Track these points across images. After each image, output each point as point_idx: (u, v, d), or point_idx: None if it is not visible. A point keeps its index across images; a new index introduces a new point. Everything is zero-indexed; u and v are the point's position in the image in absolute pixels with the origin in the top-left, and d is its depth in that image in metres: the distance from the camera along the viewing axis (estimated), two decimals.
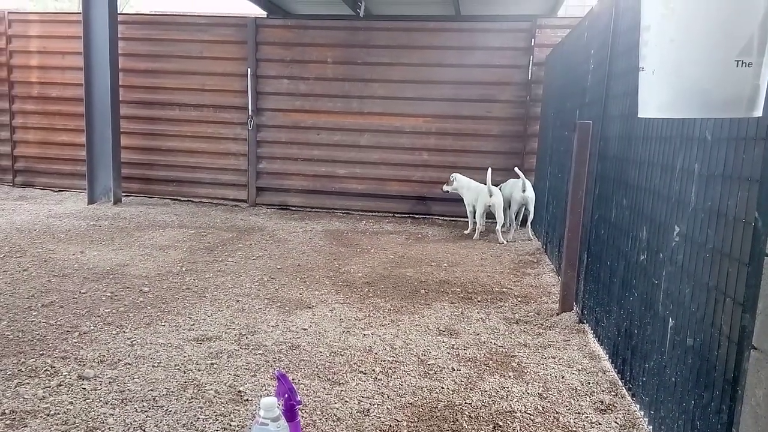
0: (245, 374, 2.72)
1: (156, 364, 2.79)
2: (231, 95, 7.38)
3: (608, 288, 3.06)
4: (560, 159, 4.92)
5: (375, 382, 2.70)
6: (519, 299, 4.05)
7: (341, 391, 2.60)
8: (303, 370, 2.80)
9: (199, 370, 2.74)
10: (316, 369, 2.82)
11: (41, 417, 2.29)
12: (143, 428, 2.24)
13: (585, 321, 3.54)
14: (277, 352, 2.99)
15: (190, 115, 7.53)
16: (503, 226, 5.98)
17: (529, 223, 6.25)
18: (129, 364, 2.79)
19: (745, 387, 1.55)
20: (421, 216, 7.20)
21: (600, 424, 2.41)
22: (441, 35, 7.00)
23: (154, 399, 2.46)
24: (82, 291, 3.83)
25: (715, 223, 1.84)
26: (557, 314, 3.71)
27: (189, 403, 2.44)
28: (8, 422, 2.24)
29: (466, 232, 6.23)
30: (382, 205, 7.31)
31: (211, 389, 2.56)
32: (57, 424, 2.24)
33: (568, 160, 4.08)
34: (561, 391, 2.68)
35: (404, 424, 2.34)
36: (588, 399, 2.62)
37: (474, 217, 6.07)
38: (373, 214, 7.26)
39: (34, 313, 3.39)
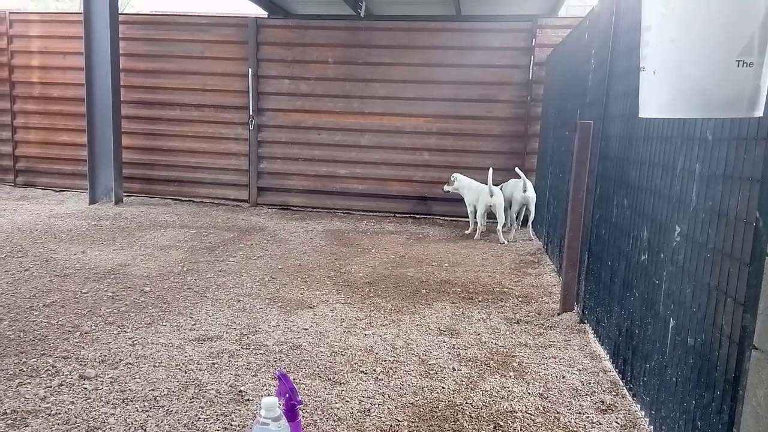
0: (246, 374, 2.73)
1: (157, 364, 2.79)
2: (232, 95, 7.38)
3: (609, 288, 3.06)
4: (561, 159, 4.92)
5: (376, 382, 2.70)
6: (520, 299, 4.05)
7: (342, 390, 2.61)
8: (304, 370, 2.80)
9: (200, 370, 2.74)
10: (317, 369, 2.82)
11: (42, 417, 2.29)
12: (144, 428, 2.24)
13: (586, 321, 3.54)
14: (278, 351, 3.00)
15: (191, 115, 7.54)
16: (504, 226, 5.98)
17: (530, 223, 6.25)
18: (130, 363, 2.79)
19: (746, 387, 1.55)
20: (422, 216, 7.20)
21: (601, 424, 2.41)
22: (442, 35, 7.00)
23: (155, 399, 2.46)
24: (83, 291, 3.83)
25: (716, 223, 1.84)
26: (558, 314, 3.71)
27: (190, 402, 2.44)
28: (9, 422, 2.24)
29: (467, 232, 6.23)
30: (383, 205, 7.31)
31: (212, 389, 2.57)
32: (58, 424, 2.25)
33: (569, 160, 4.08)
34: (562, 391, 2.68)
35: (405, 424, 2.35)
36: (589, 399, 2.62)
37: (475, 217, 6.07)
38: (374, 214, 7.26)
39: (35, 313, 3.40)
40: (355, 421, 2.36)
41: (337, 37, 7.16)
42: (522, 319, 3.64)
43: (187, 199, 7.67)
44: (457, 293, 4.13)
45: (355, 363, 2.90)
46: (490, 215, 5.98)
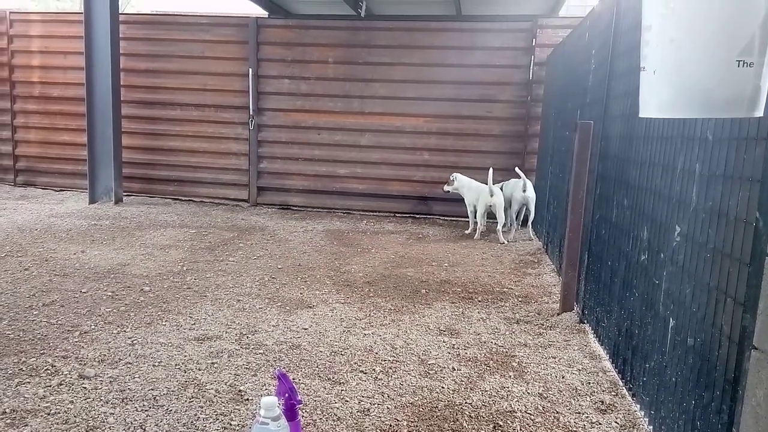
0: (246, 374, 2.73)
1: (156, 364, 2.79)
2: (232, 95, 7.38)
3: (609, 288, 3.06)
4: (561, 159, 4.91)
5: (375, 382, 2.70)
6: (520, 299, 4.05)
7: (341, 390, 2.61)
8: (303, 370, 2.80)
9: (199, 370, 2.74)
10: (317, 368, 2.82)
11: (42, 416, 2.29)
12: (143, 427, 2.24)
13: (586, 321, 3.54)
14: (277, 351, 3.00)
15: (191, 114, 7.54)
16: (504, 226, 5.98)
17: (529, 223, 6.25)
18: (129, 363, 2.79)
19: (745, 387, 1.55)
20: (422, 216, 7.20)
21: (600, 424, 2.41)
22: (442, 35, 7.00)
23: (154, 398, 2.46)
24: (83, 290, 3.83)
25: (716, 223, 1.83)
26: (558, 314, 3.71)
27: (189, 402, 2.44)
28: (9, 421, 2.24)
29: (466, 232, 6.23)
30: (383, 205, 7.31)
31: (212, 388, 2.57)
32: (57, 423, 2.25)
33: (569, 160, 4.07)
34: (561, 391, 2.68)
35: (404, 424, 2.34)
36: (588, 399, 2.62)
37: (475, 217, 6.07)
38: (374, 213, 7.26)
39: (35, 313, 3.40)
40: (355, 421, 2.36)
41: (338, 37, 7.16)
42: (522, 319, 3.64)
43: (187, 198, 7.67)
44: (456, 293, 4.13)
45: (355, 363, 2.90)
46: (490, 215, 5.98)
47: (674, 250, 2.16)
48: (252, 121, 7.32)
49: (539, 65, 6.74)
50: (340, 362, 2.90)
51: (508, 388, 2.69)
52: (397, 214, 7.24)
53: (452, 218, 7.03)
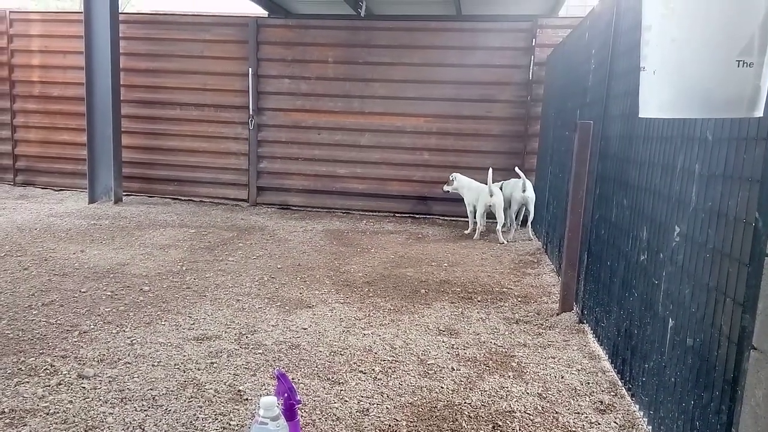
0: (245, 373, 2.72)
1: (156, 363, 2.79)
2: (232, 95, 7.38)
3: (608, 288, 3.06)
4: (561, 159, 4.91)
5: (375, 382, 2.70)
6: (519, 299, 4.05)
7: (341, 390, 2.60)
8: (303, 370, 2.80)
9: (198, 370, 2.74)
10: (316, 368, 2.82)
11: (41, 416, 2.29)
12: (143, 427, 2.24)
13: (585, 321, 3.54)
14: (276, 351, 2.99)
15: (191, 114, 7.53)
16: (504, 226, 5.98)
17: (529, 223, 6.25)
18: (129, 363, 2.79)
19: (744, 387, 1.54)
20: (421, 216, 7.20)
21: (599, 424, 2.41)
22: (442, 35, 7.00)
23: (153, 398, 2.46)
24: (82, 290, 3.83)
25: (715, 223, 1.83)
26: (557, 314, 3.71)
27: (188, 402, 2.44)
28: (8, 421, 2.24)
29: (466, 232, 6.23)
30: (383, 205, 7.31)
31: (211, 388, 2.56)
32: (56, 423, 2.24)
33: (569, 160, 4.07)
34: (560, 391, 2.68)
35: (404, 424, 2.34)
36: (587, 399, 2.61)
37: (474, 217, 6.07)
38: (374, 213, 7.26)
39: (34, 312, 3.40)
40: (354, 421, 2.35)
41: (338, 36, 7.16)
42: (521, 319, 3.64)
43: (187, 198, 7.67)
44: (456, 293, 4.13)
45: (354, 363, 2.90)
46: (490, 215, 5.98)
47: (674, 251, 2.16)
48: (252, 120, 7.32)
49: (539, 65, 6.74)
50: (340, 362, 2.90)
51: (507, 388, 2.69)
52: (396, 214, 7.24)
53: (452, 218, 7.03)
